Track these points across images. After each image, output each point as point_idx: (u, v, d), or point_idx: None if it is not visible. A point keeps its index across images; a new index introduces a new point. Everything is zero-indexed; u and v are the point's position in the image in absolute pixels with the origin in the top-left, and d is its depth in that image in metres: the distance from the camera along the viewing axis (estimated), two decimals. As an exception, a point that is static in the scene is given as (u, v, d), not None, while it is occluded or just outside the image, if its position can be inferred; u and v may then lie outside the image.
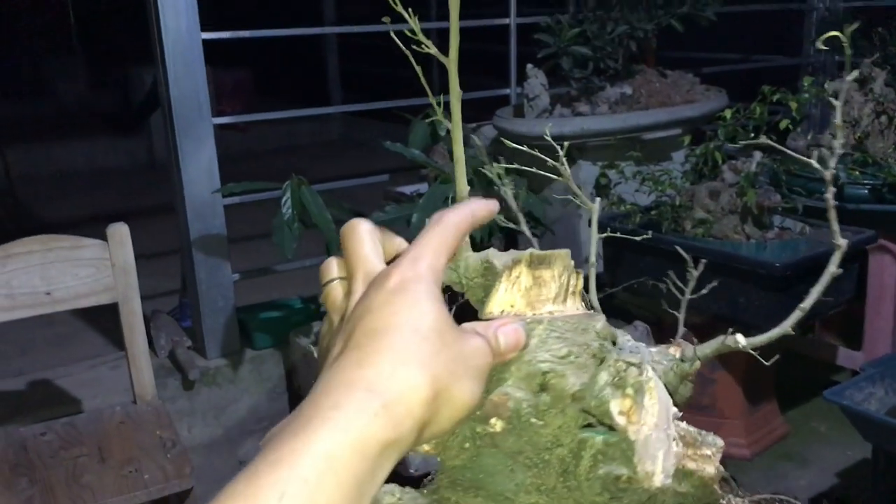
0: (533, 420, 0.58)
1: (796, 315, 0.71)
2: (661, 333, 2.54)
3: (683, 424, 0.64)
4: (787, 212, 2.32)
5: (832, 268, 0.72)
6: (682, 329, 0.78)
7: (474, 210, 0.53)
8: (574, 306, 0.63)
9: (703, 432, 0.64)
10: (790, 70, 4.01)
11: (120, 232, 1.86)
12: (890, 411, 1.93)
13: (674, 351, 0.75)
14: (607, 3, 2.79)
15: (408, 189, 3.08)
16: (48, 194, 5.54)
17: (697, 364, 0.74)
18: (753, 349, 0.79)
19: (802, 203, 2.31)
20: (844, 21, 3.46)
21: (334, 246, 2.22)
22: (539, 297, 0.61)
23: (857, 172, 2.39)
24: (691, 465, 0.62)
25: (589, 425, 0.59)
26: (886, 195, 2.41)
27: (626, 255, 2.40)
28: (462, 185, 0.71)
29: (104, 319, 2.95)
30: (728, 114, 2.34)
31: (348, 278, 0.51)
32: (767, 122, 2.34)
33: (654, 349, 0.75)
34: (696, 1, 2.77)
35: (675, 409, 0.60)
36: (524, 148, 1.18)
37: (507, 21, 3.10)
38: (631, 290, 2.26)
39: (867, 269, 2.54)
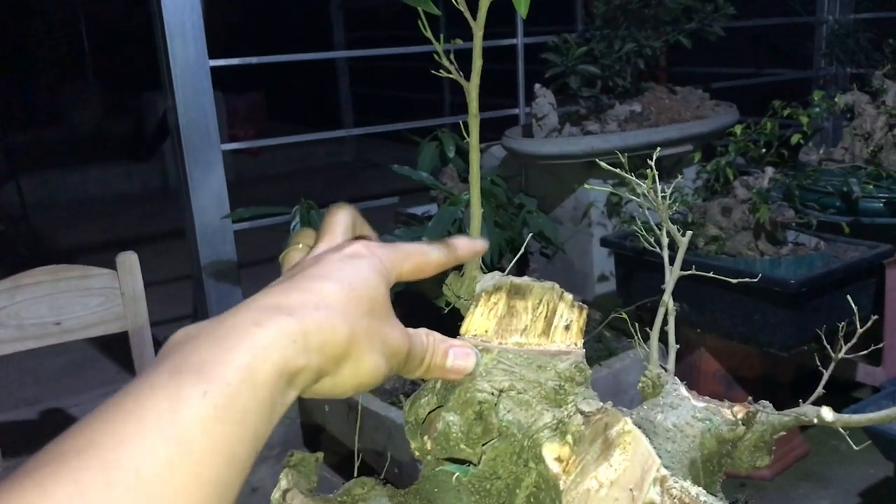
0: (463, 447, 0.57)
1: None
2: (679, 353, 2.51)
3: (695, 491, 0.60)
4: (800, 227, 2.29)
5: None
6: (672, 343, 0.75)
7: (458, 246, 0.57)
8: (566, 342, 0.61)
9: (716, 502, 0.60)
10: (801, 83, 3.98)
11: (129, 260, 1.85)
12: (912, 430, 1.89)
13: (738, 411, 0.71)
14: (614, 21, 2.79)
15: (419, 210, 3.07)
16: (62, 221, 5.57)
17: (740, 430, 0.70)
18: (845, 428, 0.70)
19: (816, 218, 2.28)
20: (855, 33, 3.45)
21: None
22: (509, 326, 0.60)
23: (871, 186, 2.36)
24: None
25: (452, 460, 0.58)
26: (902, 208, 2.38)
27: (638, 273, 2.38)
28: (476, 207, 0.70)
29: (117, 347, 2.94)
30: (738, 129, 2.32)
31: (313, 247, 0.53)
32: (779, 136, 2.32)
33: (700, 404, 0.72)
34: (704, 17, 2.76)
35: (664, 472, 0.57)
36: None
37: (514, 41, 3.10)
38: (645, 308, 2.24)
39: (884, 284, 2.50)
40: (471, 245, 0.58)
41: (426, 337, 0.54)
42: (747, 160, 2.35)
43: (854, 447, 0.83)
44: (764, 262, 2.20)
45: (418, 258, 0.53)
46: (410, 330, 0.53)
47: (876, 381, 2.57)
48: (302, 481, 0.65)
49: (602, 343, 2.49)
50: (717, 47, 3.03)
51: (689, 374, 2.44)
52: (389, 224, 2.38)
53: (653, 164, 0.77)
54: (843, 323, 0.83)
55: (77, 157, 6.73)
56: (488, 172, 2.54)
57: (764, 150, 2.31)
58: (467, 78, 0.65)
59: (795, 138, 2.24)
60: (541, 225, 2.27)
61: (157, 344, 1.92)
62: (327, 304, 0.44)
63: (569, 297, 0.63)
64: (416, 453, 0.63)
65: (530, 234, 1.97)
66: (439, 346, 0.55)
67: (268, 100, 7.65)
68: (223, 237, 2.49)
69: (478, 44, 0.63)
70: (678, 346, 0.83)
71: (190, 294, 2.89)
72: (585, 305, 0.64)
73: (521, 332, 0.61)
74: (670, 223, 0.76)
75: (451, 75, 0.65)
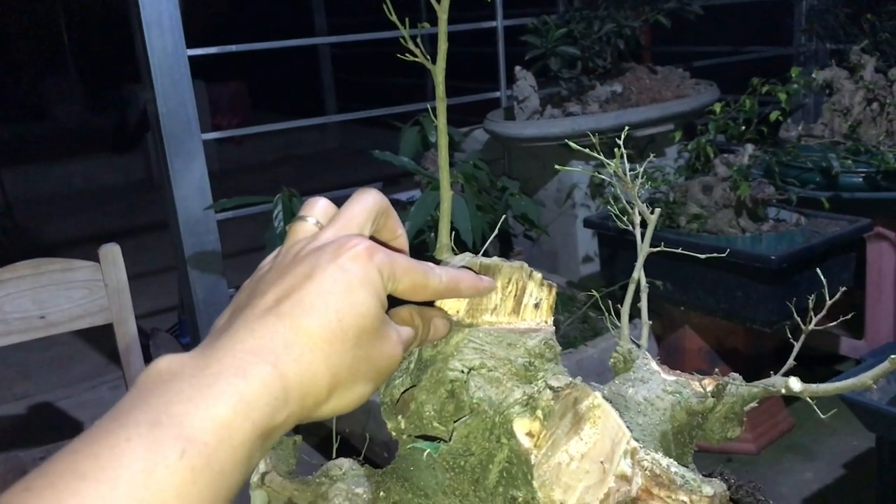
0: (436, 424, 0.58)
1: (884, 367, 0.66)
2: (662, 331, 2.53)
3: (666, 462, 0.61)
4: (781, 203, 2.31)
5: None
6: (646, 319, 0.75)
7: (462, 280, 0.55)
8: (536, 320, 0.62)
9: (694, 477, 0.61)
10: (782, 60, 3.99)
11: (112, 252, 1.85)
12: (892, 401, 1.91)
13: (707, 384, 0.72)
14: (593, 1, 2.79)
15: (403, 196, 3.07)
16: (46, 215, 5.54)
17: (709, 402, 0.71)
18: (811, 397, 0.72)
19: (796, 194, 2.30)
20: (834, 9, 3.46)
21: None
22: (479, 306, 0.61)
23: (850, 161, 2.38)
24: None
25: (426, 437, 0.59)
26: (881, 182, 2.40)
27: (621, 253, 2.39)
28: (446, 190, 0.70)
29: (102, 339, 2.94)
30: (718, 107, 2.33)
31: (325, 225, 0.51)
32: (759, 113, 2.33)
33: (670, 377, 0.73)
34: (683, -5, 2.76)
35: (634, 444, 0.58)
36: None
37: (494, 24, 3.10)
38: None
39: (865, 257, 2.53)
40: (476, 283, 0.56)
41: (415, 320, 0.54)
42: (727, 138, 2.37)
43: (836, 420, 0.85)
44: (745, 238, 2.21)
45: (418, 279, 0.50)
46: (403, 330, 0.52)
47: (858, 354, 2.60)
48: (280, 464, 0.66)
49: (587, 324, 2.50)
50: (699, 26, 3.04)
51: (673, 352, 2.46)
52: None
53: (621, 142, 0.78)
54: (812, 295, 0.84)
55: (59, 150, 6.68)
56: (471, 156, 2.55)
57: (743, 128, 2.32)
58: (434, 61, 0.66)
59: (774, 115, 2.25)
60: (523, 207, 2.28)
61: (142, 334, 1.92)
62: (311, 346, 0.43)
63: (538, 275, 0.64)
64: (393, 433, 0.64)
65: (505, 216, 1.98)
66: (425, 324, 0.55)
67: (250, 89, 7.61)
68: (206, 227, 2.48)
69: (442, 27, 0.63)
70: (663, 323, 0.84)
71: (174, 285, 2.89)
72: (554, 284, 0.65)
73: (492, 311, 0.61)
74: (639, 201, 0.76)
75: (417, 59, 0.66)
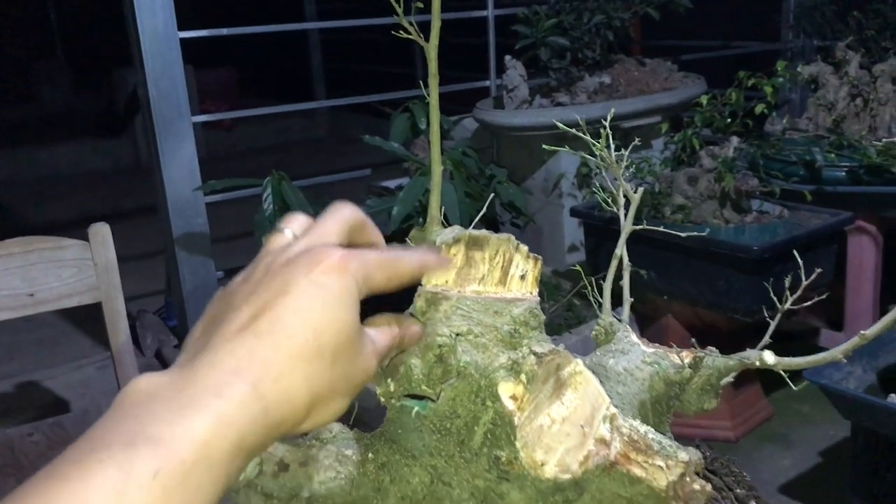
0: (424, 387, 0.60)
1: (854, 342, 0.69)
2: (644, 320, 2.57)
3: (644, 429, 0.63)
4: (764, 195, 2.35)
5: None
6: (627, 296, 0.78)
7: (428, 260, 0.55)
8: (521, 290, 0.65)
9: (670, 444, 0.63)
10: (769, 55, 4.03)
11: (101, 232, 1.86)
12: (868, 389, 1.95)
13: (685, 356, 0.75)
14: (584, -8, 2.81)
15: (392, 183, 3.09)
16: (33, 198, 5.52)
17: (686, 373, 0.74)
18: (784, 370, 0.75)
19: (780, 186, 2.33)
20: (821, 6, 3.49)
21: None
22: (468, 276, 0.63)
23: (833, 155, 2.41)
24: (638, 472, 0.62)
25: (414, 396, 0.61)
26: (863, 177, 2.43)
27: (606, 243, 2.42)
28: (437, 164, 0.72)
29: (89, 321, 2.95)
30: (704, 100, 2.36)
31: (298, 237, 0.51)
32: (744, 107, 2.36)
33: (649, 349, 0.75)
34: (672, -11, 2.79)
35: (613, 410, 0.61)
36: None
37: (485, 13, 3.12)
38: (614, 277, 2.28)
39: (846, 251, 2.57)
40: (440, 261, 0.58)
41: (393, 328, 0.55)
42: (713, 130, 2.40)
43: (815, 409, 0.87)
44: (728, 229, 2.25)
45: (391, 271, 0.50)
46: (379, 340, 0.52)
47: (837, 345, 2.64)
48: (271, 427, 0.68)
49: (572, 311, 2.53)
50: (688, 20, 3.06)
51: (656, 341, 2.49)
52: (362, 196, 2.40)
53: (606, 124, 0.80)
54: (791, 284, 0.87)
55: (47, 134, 6.65)
56: (460, 144, 2.56)
57: (729, 120, 2.35)
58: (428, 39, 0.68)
59: (759, 108, 2.28)
60: (511, 195, 2.30)
61: (130, 317, 1.94)
62: (291, 366, 0.43)
63: (524, 248, 0.66)
64: (382, 399, 0.66)
65: (492, 196, 2.00)
66: (398, 337, 0.55)
67: (240, 75, 7.59)
68: (195, 209, 2.50)
69: (436, 5, 0.65)
70: (646, 313, 0.87)
71: (163, 270, 2.90)
72: (539, 256, 0.67)
73: (479, 280, 0.64)
74: (623, 181, 0.79)
75: (411, 37, 0.68)
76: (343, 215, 0.52)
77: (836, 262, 2.38)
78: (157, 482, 0.36)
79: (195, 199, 2.48)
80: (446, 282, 0.64)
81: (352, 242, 0.52)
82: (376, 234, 0.55)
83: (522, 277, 0.66)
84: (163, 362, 2.56)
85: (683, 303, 2.35)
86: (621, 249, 0.77)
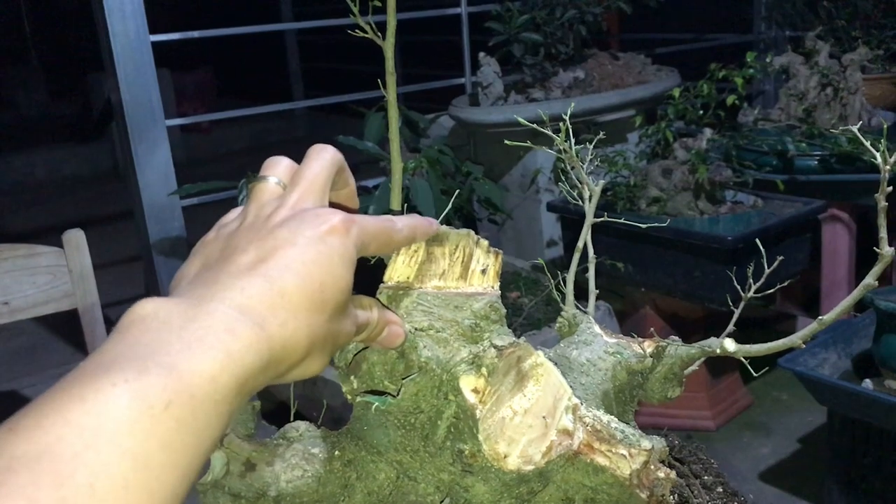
0: (387, 383, 0.61)
1: (812, 328, 0.70)
2: (624, 312, 2.58)
3: (607, 419, 0.64)
4: (738, 186, 2.37)
5: (869, 279, 0.63)
6: (592, 288, 0.79)
7: (418, 226, 0.58)
8: (483, 285, 0.65)
9: (633, 432, 0.64)
10: (743, 47, 4.06)
11: (76, 238, 1.85)
12: (843, 375, 1.98)
13: (647, 345, 0.75)
14: (556, -12, 2.82)
15: (369, 182, 3.09)
16: (8, 205, 5.48)
17: (648, 362, 0.75)
18: (745, 357, 0.76)
19: (753, 177, 2.35)
20: (792, -4, 3.51)
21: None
22: (428, 271, 0.64)
23: (804, 144, 2.44)
24: (602, 461, 0.63)
25: (373, 392, 0.61)
26: (835, 165, 2.46)
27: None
28: (396, 161, 0.73)
29: (66, 329, 2.93)
30: (677, 92, 2.38)
31: (288, 186, 0.52)
32: (716, 98, 2.38)
33: (611, 340, 0.76)
34: (643, -18, 2.80)
35: (575, 401, 0.62)
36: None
37: (458, 10, 3.12)
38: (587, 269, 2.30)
39: (821, 239, 2.59)
40: (427, 227, 0.60)
41: (373, 311, 0.56)
42: (686, 122, 2.41)
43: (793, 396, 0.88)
44: (703, 220, 2.27)
45: (385, 238, 0.53)
46: (360, 313, 0.53)
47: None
48: (239, 426, 0.68)
49: (551, 306, 2.54)
50: (662, 14, 3.08)
51: (634, 333, 2.51)
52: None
53: (566, 118, 0.81)
54: (750, 267, 0.88)
55: (23, 139, 6.59)
56: (436, 142, 2.57)
57: (702, 112, 2.37)
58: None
59: (731, 99, 2.30)
60: (487, 191, 2.31)
61: (108, 322, 1.92)
62: (295, 314, 0.44)
63: (484, 242, 0.66)
64: (348, 397, 0.66)
65: (466, 191, 2.01)
66: (381, 322, 0.56)
67: (217, 77, 7.55)
68: (171, 214, 2.49)
69: (391, 4, 0.66)
70: (625, 305, 0.87)
71: (141, 275, 2.89)
72: (500, 251, 0.68)
73: (440, 276, 0.64)
74: (585, 175, 0.80)
75: (368, 35, 0.68)
76: (326, 160, 0.53)
77: (811, 250, 2.41)
78: (168, 413, 0.36)
79: (171, 203, 2.47)
80: (408, 278, 0.64)
81: (333, 184, 0.54)
82: (351, 179, 0.57)
83: (483, 272, 0.66)
84: (142, 367, 2.55)
85: (660, 294, 2.37)
86: (583, 241, 0.78)
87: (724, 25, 4.31)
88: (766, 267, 0.92)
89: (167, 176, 2.45)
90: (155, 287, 2.58)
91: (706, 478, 0.82)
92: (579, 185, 0.92)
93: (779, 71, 2.71)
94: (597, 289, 0.88)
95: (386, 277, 0.65)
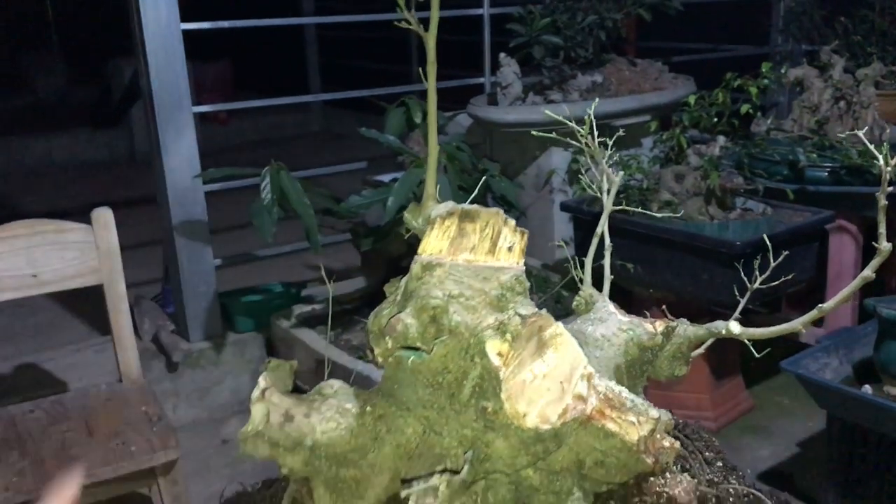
0: (419, 344, 0.67)
1: (812, 314, 0.75)
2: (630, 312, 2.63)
3: (618, 388, 0.70)
4: (748, 193, 2.41)
5: (868, 272, 0.68)
6: (608, 274, 0.85)
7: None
8: (509, 261, 0.71)
9: (643, 402, 0.69)
10: (759, 59, 4.10)
11: (104, 216, 1.92)
12: (844, 380, 2.03)
13: (658, 325, 0.81)
14: (577, -7, 2.87)
15: (386, 177, 3.15)
16: (27, 188, 5.55)
17: (658, 340, 0.80)
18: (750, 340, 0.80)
19: (763, 185, 2.40)
20: (810, 11, 3.57)
21: (313, 232, 2.29)
22: (460, 246, 0.70)
23: (815, 155, 2.48)
24: (612, 427, 0.68)
25: (408, 348, 0.67)
26: (844, 177, 2.51)
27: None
28: (433, 146, 0.78)
29: (87, 307, 3.00)
30: (692, 100, 2.43)
31: None
32: (731, 107, 2.43)
33: (625, 318, 0.82)
34: (664, -9, 2.85)
35: (591, 370, 0.67)
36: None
37: (480, 11, 3.18)
38: (599, 268, 2.35)
39: (827, 249, 2.64)
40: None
41: None
42: (700, 129, 2.46)
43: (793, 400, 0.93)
44: (713, 225, 2.31)
45: None
46: None
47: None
48: (279, 383, 0.74)
49: (560, 303, 2.60)
50: (680, 23, 3.13)
51: (642, 333, 2.56)
52: (357, 187, 2.46)
53: (591, 112, 0.87)
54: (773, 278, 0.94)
55: (42, 124, 6.67)
56: (454, 139, 2.62)
57: (716, 120, 2.42)
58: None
59: (744, 108, 2.35)
60: (503, 188, 2.37)
61: (132, 300, 1.99)
62: None
63: (511, 222, 0.72)
64: (380, 359, 0.72)
65: (483, 185, 2.06)
66: None
67: (235, 70, 7.62)
68: (194, 198, 2.55)
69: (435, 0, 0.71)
70: (632, 305, 0.93)
71: (158, 259, 2.95)
72: (526, 230, 0.73)
73: (470, 250, 0.70)
74: (605, 165, 0.85)
75: (412, 27, 0.74)
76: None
77: (818, 259, 2.45)
78: None
79: (194, 187, 2.53)
80: (440, 251, 0.70)
81: None
82: None
83: (510, 249, 0.72)
84: (160, 347, 2.61)
85: (668, 295, 2.41)
86: (602, 228, 0.84)
87: (742, 37, 4.36)
88: (775, 272, 0.97)
89: (191, 161, 2.52)
90: (175, 269, 2.64)
91: (707, 454, 0.88)
92: (598, 178, 0.98)
93: (793, 83, 2.76)
94: (603, 286, 0.93)
95: (420, 250, 0.71)
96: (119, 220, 1.97)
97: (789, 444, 2.40)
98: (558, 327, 0.67)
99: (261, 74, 7.78)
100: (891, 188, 2.49)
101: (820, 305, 0.75)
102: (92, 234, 1.91)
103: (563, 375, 0.67)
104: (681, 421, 0.90)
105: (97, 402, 1.88)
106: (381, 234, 2.33)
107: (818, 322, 2.74)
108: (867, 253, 2.66)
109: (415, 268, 0.69)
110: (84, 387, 2.08)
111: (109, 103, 6.62)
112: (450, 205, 0.71)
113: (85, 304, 3.05)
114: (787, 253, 1.08)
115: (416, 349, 0.67)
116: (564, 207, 2.61)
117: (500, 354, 0.66)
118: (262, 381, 0.73)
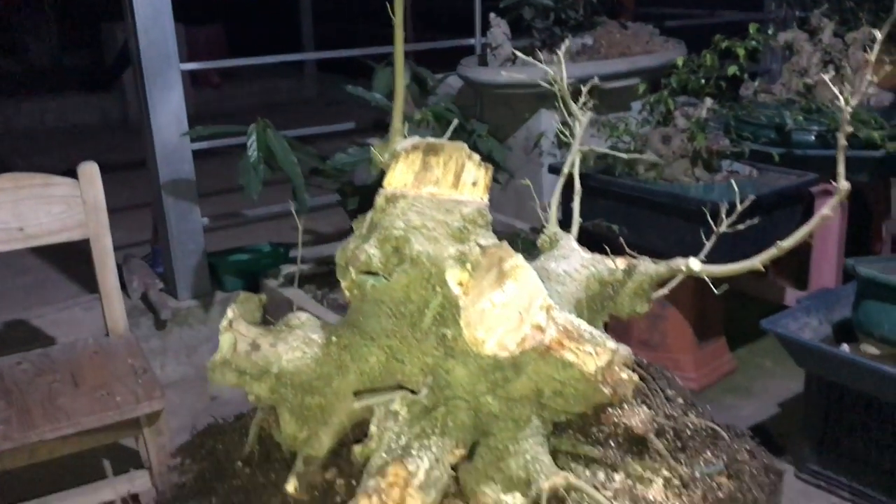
0: (382, 274, 0.68)
1: (771, 252, 0.77)
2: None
3: (577, 321, 0.71)
4: (735, 156, 2.42)
5: (826, 210, 0.71)
6: (577, 217, 0.86)
7: None
8: (473, 196, 0.72)
9: (601, 335, 0.71)
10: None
11: (90, 170, 1.92)
12: (823, 340, 2.05)
13: (620, 262, 0.82)
14: (569, -46, 2.86)
15: (374, 141, 3.15)
16: (18, 150, 5.54)
17: (618, 275, 0.82)
18: (709, 279, 0.82)
19: (750, 148, 2.41)
20: (803, -24, 3.54)
21: (300, 190, 2.30)
22: (424, 179, 0.71)
23: (802, 118, 2.49)
24: (570, 357, 0.70)
25: (370, 273, 0.69)
26: (832, 141, 2.51)
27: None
28: (400, 79, 0.79)
29: (75, 268, 3.01)
30: (680, 61, 2.43)
31: None
32: (719, 70, 2.43)
33: (587, 255, 0.83)
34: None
35: (550, 302, 0.69)
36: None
37: (471, -28, 3.16)
38: (585, 230, 2.37)
39: (813, 212, 2.65)
40: None
41: None
42: (688, 92, 2.46)
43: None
44: (698, 187, 2.33)
45: None
46: None
47: (801, 304, 2.74)
48: (247, 314, 0.76)
49: (547, 265, 2.61)
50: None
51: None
52: (345, 146, 2.46)
53: (562, 54, 0.87)
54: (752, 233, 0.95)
55: (34, 87, 6.63)
56: (442, 100, 2.63)
57: (704, 82, 2.42)
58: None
59: (732, 70, 2.35)
60: (490, 147, 2.37)
61: (117, 263, 1.99)
62: None
63: (476, 157, 0.73)
64: (347, 292, 0.74)
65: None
66: None
67: (229, 35, 7.56)
68: (182, 156, 2.55)
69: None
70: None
71: (148, 222, 2.96)
72: (490, 165, 0.74)
73: (434, 183, 0.71)
74: (570, 100, 0.86)
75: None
76: None
77: (803, 223, 2.46)
78: None
79: (182, 145, 2.54)
80: (405, 185, 0.71)
81: None
82: None
83: (474, 184, 0.73)
84: (148, 305, 2.63)
85: (653, 256, 2.43)
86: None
87: (736, 3, 4.34)
88: (759, 236, 0.98)
89: (179, 119, 2.52)
90: (163, 228, 2.65)
91: (669, 392, 0.90)
92: (571, 119, 0.98)
93: (783, 47, 2.76)
94: (593, 251, 0.94)
95: (385, 183, 0.72)
96: (110, 183, 1.97)
97: (770, 404, 2.44)
98: (518, 259, 0.68)
99: (254, 40, 7.72)
100: (877, 153, 2.48)
101: (778, 242, 0.77)
102: (78, 188, 1.92)
103: (522, 305, 0.68)
104: (645, 362, 0.92)
105: (84, 355, 1.90)
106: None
107: (802, 285, 2.76)
108: (853, 216, 2.68)
109: (379, 200, 0.70)
110: (71, 341, 2.10)
111: (102, 67, 6.58)
112: (415, 139, 0.73)
113: (74, 264, 3.07)
114: (772, 223, 1.10)
115: (376, 275, 0.69)
116: (553, 169, 2.62)
117: (460, 283, 0.68)
118: (229, 312, 0.75)
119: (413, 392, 0.69)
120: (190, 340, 2.66)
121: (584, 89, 0.85)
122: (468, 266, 0.67)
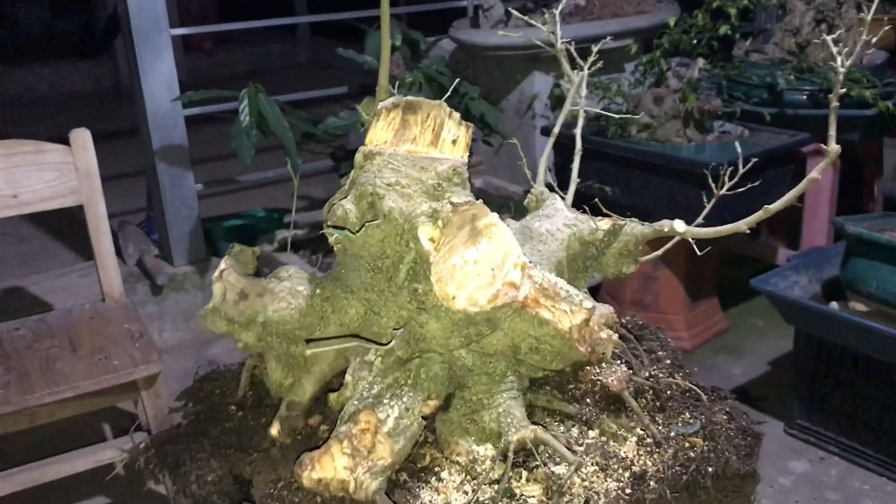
0: (357, 228, 0.70)
1: (758, 215, 0.78)
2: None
3: (555, 280, 0.72)
4: (727, 116, 2.43)
5: (815, 174, 0.72)
6: (574, 177, 0.87)
7: None
8: (453, 154, 0.74)
9: (578, 294, 0.72)
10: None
11: (82, 137, 1.92)
12: (812, 298, 2.08)
13: (604, 223, 0.84)
14: (560, -87, 2.83)
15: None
16: (10, 118, 5.52)
17: (599, 234, 0.83)
18: (695, 241, 0.82)
19: (741, 108, 2.41)
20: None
21: (293, 153, 2.30)
22: (403, 137, 0.72)
23: (793, 78, 2.48)
24: (546, 315, 0.72)
25: (337, 227, 0.70)
26: (823, 101, 2.51)
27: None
28: (386, 38, 0.80)
29: (72, 236, 3.02)
30: (672, 21, 2.42)
31: None
32: (711, 29, 2.42)
33: (571, 214, 0.85)
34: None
35: (524, 260, 0.70)
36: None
37: (463, -67, 3.13)
38: (580, 193, 2.38)
39: (805, 173, 2.66)
40: None
41: None
42: (680, 52, 2.46)
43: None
44: (690, 147, 2.33)
45: None
46: None
47: (793, 263, 2.76)
48: (238, 266, 0.77)
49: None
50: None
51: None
52: (337, 110, 2.46)
53: (556, 14, 0.88)
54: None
55: (26, 54, 6.58)
56: (434, 62, 2.61)
57: (695, 42, 2.41)
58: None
59: (723, 29, 2.34)
60: (482, 110, 2.37)
61: (112, 228, 2.00)
62: None
63: (456, 115, 0.74)
64: (335, 246, 0.75)
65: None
66: None
67: (221, 1, 7.48)
68: (174, 122, 2.55)
69: None
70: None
71: (143, 190, 2.96)
72: (471, 124, 0.75)
73: (412, 140, 0.72)
74: (564, 62, 0.86)
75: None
76: None
77: (795, 182, 2.47)
78: None
79: (174, 111, 2.53)
80: (385, 142, 0.72)
81: None
82: None
83: (454, 142, 0.74)
84: (144, 270, 2.65)
85: (645, 217, 2.45)
86: (559, 123, 0.86)
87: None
88: (750, 196, 0.99)
89: (171, 85, 2.51)
90: (157, 194, 2.65)
91: (660, 353, 0.91)
92: (565, 79, 0.99)
93: (776, 6, 2.74)
94: (584, 211, 0.95)
95: (367, 141, 0.73)
96: (104, 151, 1.97)
97: (761, 363, 2.47)
98: (492, 217, 0.70)
99: (247, 5, 7.63)
100: (869, 111, 2.47)
101: (766, 206, 0.78)
102: (71, 154, 1.92)
103: (495, 263, 0.70)
104: (639, 322, 0.93)
105: (81, 320, 1.91)
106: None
107: (795, 245, 2.78)
108: (845, 177, 2.69)
109: (358, 157, 0.71)
110: (68, 306, 2.12)
111: (93, 34, 6.52)
112: (397, 97, 0.73)
113: (70, 233, 3.08)
114: (763, 183, 1.11)
115: (343, 228, 0.70)
116: (545, 132, 2.62)
117: (431, 240, 0.69)
118: (222, 263, 0.77)
119: (383, 345, 0.71)
120: (186, 306, 2.68)
121: (594, 49, 0.85)
122: (440, 223, 0.69)
